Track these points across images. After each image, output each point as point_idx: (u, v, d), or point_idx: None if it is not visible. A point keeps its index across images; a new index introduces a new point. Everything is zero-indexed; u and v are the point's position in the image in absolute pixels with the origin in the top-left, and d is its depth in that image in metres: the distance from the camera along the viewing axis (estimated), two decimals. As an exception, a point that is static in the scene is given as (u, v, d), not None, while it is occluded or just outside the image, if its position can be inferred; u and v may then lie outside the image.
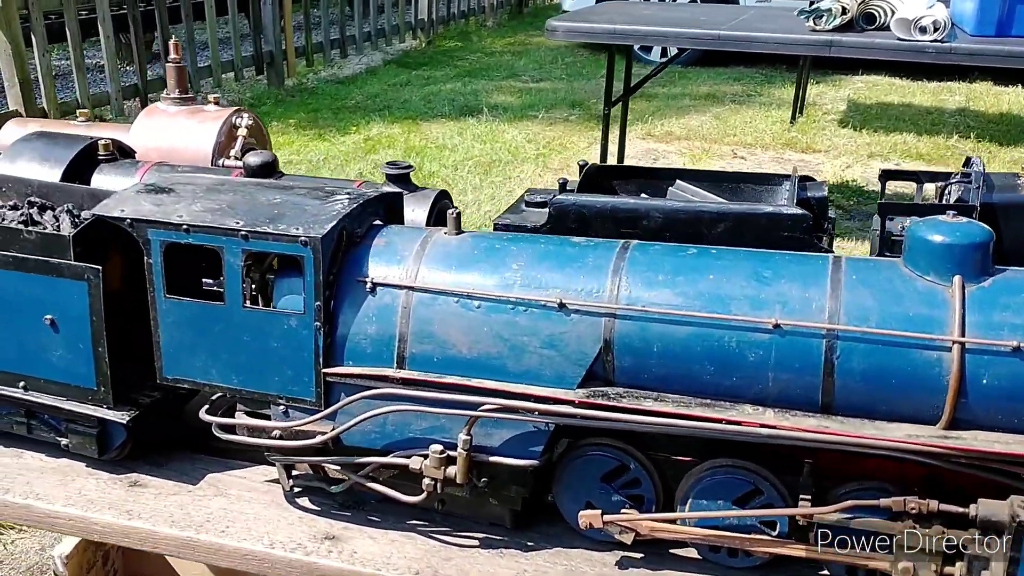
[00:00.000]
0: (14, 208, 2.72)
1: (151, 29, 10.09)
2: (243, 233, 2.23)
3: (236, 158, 3.43)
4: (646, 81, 8.24)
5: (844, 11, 7.16)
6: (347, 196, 2.37)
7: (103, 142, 3.07)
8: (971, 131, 9.02)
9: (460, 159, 8.78)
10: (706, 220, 2.73)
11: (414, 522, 2.38)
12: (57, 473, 2.56)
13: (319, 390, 2.27)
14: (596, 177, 3.07)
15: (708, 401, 2.10)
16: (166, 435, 2.64)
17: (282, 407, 2.32)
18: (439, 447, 2.20)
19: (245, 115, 3.51)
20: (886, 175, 3.13)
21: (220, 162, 3.39)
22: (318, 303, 2.22)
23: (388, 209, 2.50)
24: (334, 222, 2.23)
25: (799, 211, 2.67)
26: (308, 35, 11.07)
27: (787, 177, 3.04)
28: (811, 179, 2.99)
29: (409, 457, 2.24)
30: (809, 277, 2.08)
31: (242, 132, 3.46)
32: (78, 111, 3.77)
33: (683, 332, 2.08)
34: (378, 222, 2.42)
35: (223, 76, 10.41)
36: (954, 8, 7.47)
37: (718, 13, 7.92)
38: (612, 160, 8.44)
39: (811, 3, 9.00)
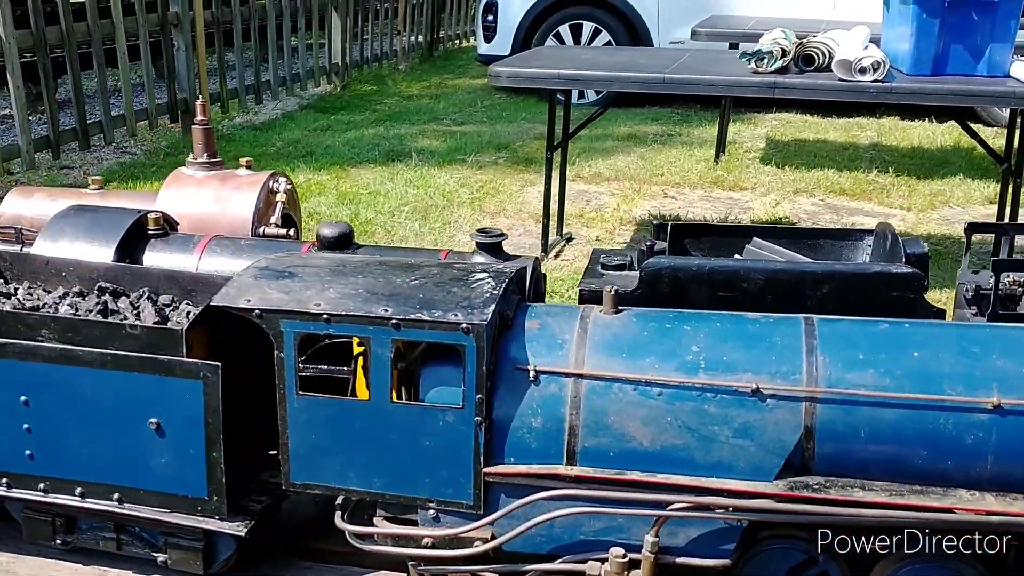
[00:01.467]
0: (80, 296, 2.41)
1: (57, 76, 9.55)
2: (394, 322, 1.98)
3: (276, 225, 3.16)
4: (587, 124, 8.14)
5: (784, 53, 7.16)
6: (488, 275, 2.14)
7: (153, 215, 2.76)
8: (888, 165, 9.12)
9: (395, 205, 8.48)
10: (810, 281, 2.57)
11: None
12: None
13: (478, 492, 2.03)
14: (669, 237, 2.89)
15: (918, 487, 1.93)
16: (264, 540, 2.35)
17: (432, 512, 2.07)
18: (620, 550, 1.97)
19: (282, 180, 3.24)
20: (973, 228, 3.02)
21: (260, 230, 3.11)
22: (479, 396, 1.98)
23: (519, 284, 2.27)
24: (492, 306, 2.00)
25: (910, 270, 2.53)
26: (223, 81, 10.67)
27: (868, 232, 2.91)
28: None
29: (584, 562, 2.01)
30: (1022, 351, 1.92)
31: (281, 198, 3.18)
32: (89, 178, 3.42)
33: (893, 415, 1.92)
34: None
35: (137, 124, 9.93)
36: (886, 48, 7.50)
37: (657, 56, 7.83)
38: (554, 204, 8.25)
39: (731, 44, 9.01)
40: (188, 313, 2.35)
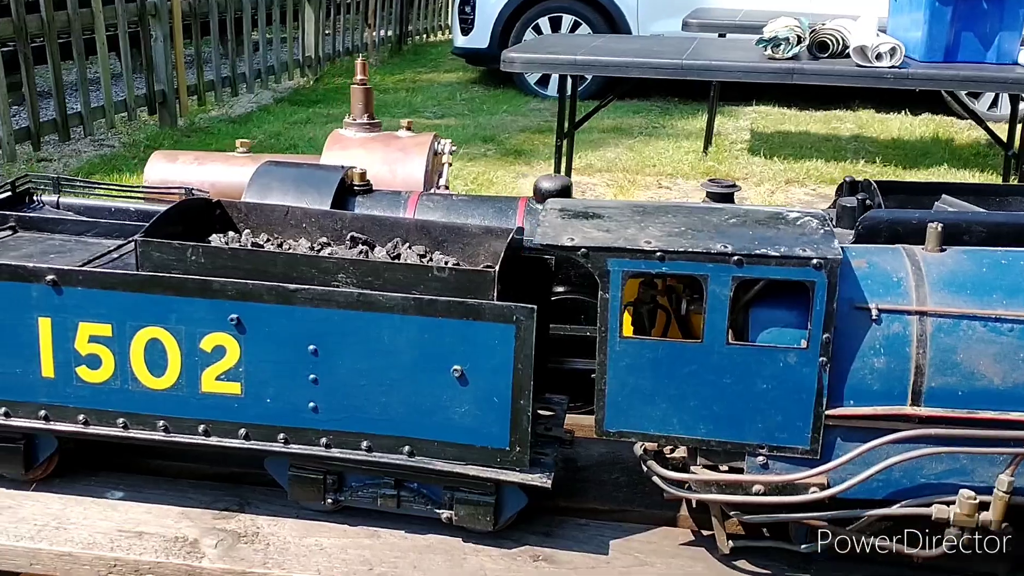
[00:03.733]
0: (328, 247, 2.24)
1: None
2: (736, 258, 1.86)
3: (445, 187, 3.01)
4: (594, 113, 8.06)
5: (799, 40, 7.18)
6: (802, 214, 2.03)
7: (358, 171, 2.61)
8: (873, 156, 9.23)
9: (394, 195, 8.26)
10: (996, 227, 2.50)
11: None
12: (437, 552, 2.10)
13: (816, 436, 1.92)
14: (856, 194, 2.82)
15: None
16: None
17: (761, 458, 1.95)
18: (970, 492, 1.88)
19: (445, 142, 3.10)
20: None
21: (432, 191, 2.96)
22: (826, 335, 1.87)
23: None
24: (836, 241, 1.89)
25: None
26: (200, 73, 10.37)
27: (1036, 188, 2.87)
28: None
29: (928, 505, 1.91)
30: None
31: (446, 159, 3.04)
32: (238, 141, 3.23)
33: None
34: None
35: (116, 116, 9.59)
36: (895, 36, 7.54)
37: (667, 43, 7.78)
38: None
39: (720, 35, 9.02)
40: (446, 262, 2.20)
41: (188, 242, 2.04)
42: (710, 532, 2.12)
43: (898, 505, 1.93)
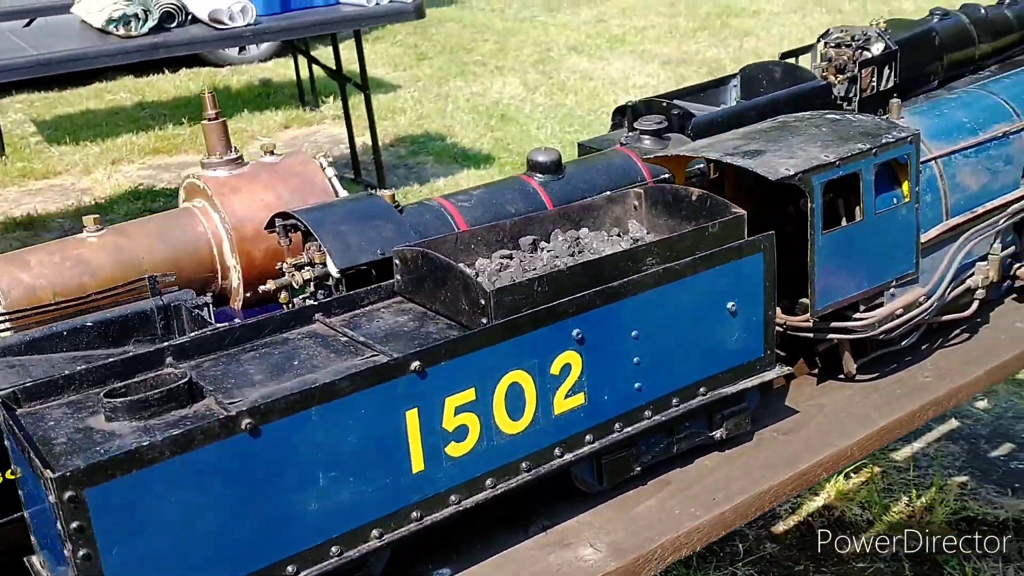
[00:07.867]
0: (509, 257, 2.24)
1: None
2: (874, 151, 2.39)
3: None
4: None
5: (147, 14, 7.06)
6: (849, 112, 2.60)
7: (388, 193, 2.49)
8: (176, 117, 9.25)
9: None
10: (780, 105, 3.28)
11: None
12: (719, 471, 2.30)
13: (917, 260, 2.55)
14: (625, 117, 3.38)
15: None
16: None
17: (892, 290, 2.54)
18: (982, 263, 2.69)
19: (319, 155, 2.94)
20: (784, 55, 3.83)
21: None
22: (916, 188, 2.51)
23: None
24: (902, 120, 2.52)
25: (825, 82, 3.45)
26: None
27: (733, 76, 3.71)
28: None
29: (963, 282, 2.68)
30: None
31: (331, 172, 2.90)
32: (85, 218, 2.61)
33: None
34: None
35: None
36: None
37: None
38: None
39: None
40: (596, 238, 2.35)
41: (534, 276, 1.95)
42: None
43: (951, 286, 2.67)
